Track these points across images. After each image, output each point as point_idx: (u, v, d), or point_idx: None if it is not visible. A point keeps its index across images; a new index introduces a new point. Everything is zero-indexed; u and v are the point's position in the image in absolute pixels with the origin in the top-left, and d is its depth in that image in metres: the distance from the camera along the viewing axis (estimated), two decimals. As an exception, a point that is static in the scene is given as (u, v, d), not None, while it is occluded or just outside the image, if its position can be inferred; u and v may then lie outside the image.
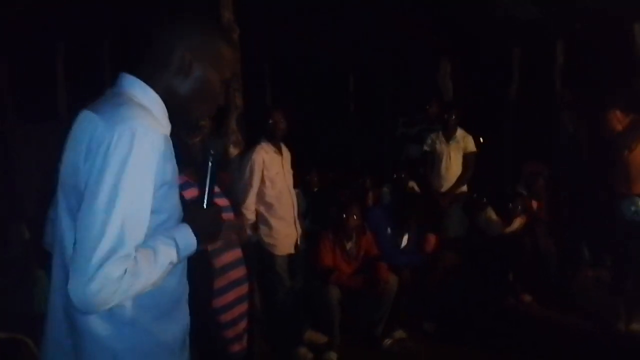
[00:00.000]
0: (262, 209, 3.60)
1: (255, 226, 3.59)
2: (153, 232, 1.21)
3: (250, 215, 3.53)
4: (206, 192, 1.37)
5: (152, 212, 1.20)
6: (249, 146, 3.72)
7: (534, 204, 4.88)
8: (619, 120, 3.77)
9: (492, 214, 4.68)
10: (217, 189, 2.04)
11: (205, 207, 1.37)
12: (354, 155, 8.26)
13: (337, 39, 7.04)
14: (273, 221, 3.60)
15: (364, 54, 7.54)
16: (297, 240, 3.74)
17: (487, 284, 4.52)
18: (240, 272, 2.05)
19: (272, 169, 3.59)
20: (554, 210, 5.02)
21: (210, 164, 1.38)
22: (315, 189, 5.12)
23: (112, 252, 1.10)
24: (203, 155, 1.40)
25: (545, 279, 4.81)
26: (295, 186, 3.91)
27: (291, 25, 6.73)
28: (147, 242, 1.19)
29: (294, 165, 3.83)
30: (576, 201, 5.02)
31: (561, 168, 5.15)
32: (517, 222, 4.69)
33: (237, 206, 2.32)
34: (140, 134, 1.16)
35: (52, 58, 6.43)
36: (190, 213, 1.33)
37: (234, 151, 3.76)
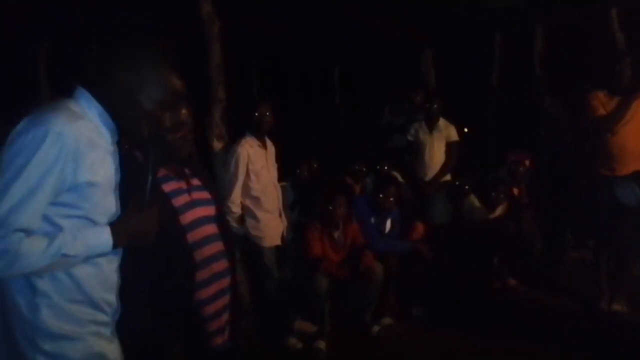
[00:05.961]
0: (248, 202, 3.62)
1: (241, 219, 3.63)
2: (65, 224, 1.34)
3: (235, 208, 3.56)
4: (147, 192, 1.46)
5: (67, 205, 1.34)
6: (233, 140, 3.73)
7: (516, 190, 4.95)
8: (601, 102, 3.79)
9: (475, 201, 4.74)
10: (198, 182, 2.07)
11: (144, 208, 1.45)
12: (340, 146, 8.28)
13: (321, 30, 7.04)
14: (259, 214, 3.62)
15: (348, 45, 7.55)
16: (283, 232, 3.78)
17: (473, 268, 4.59)
18: (222, 264, 2.06)
19: (257, 163, 3.60)
20: (536, 195, 5.09)
21: (149, 175, 1.47)
22: (304, 181, 5.14)
23: None
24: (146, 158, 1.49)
25: (529, 262, 4.90)
26: (280, 179, 3.93)
27: (275, 17, 6.72)
28: (53, 233, 1.32)
29: (279, 158, 3.85)
30: (558, 185, 5.09)
31: (543, 152, 5.22)
32: (500, 208, 4.75)
33: (220, 199, 2.33)
34: (52, 138, 1.28)
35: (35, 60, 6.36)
36: (128, 212, 1.45)
37: (217, 145, 3.75)
